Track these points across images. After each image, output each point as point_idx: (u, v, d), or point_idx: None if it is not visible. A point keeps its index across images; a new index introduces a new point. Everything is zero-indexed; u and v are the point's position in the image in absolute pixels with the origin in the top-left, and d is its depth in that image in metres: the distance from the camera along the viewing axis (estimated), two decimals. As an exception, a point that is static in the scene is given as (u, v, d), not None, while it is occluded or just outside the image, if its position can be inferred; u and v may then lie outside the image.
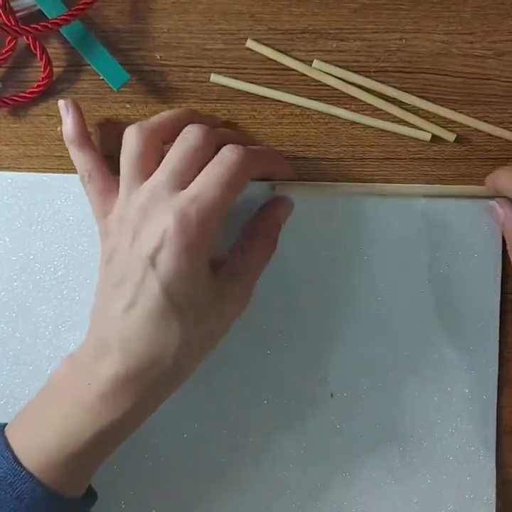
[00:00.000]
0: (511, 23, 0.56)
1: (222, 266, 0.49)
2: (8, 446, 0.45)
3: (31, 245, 0.54)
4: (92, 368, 0.45)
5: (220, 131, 0.53)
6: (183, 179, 0.47)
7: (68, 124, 0.52)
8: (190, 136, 0.48)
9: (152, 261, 0.45)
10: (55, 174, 0.55)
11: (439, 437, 0.55)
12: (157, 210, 0.46)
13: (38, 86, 0.54)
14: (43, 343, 0.54)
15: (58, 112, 0.55)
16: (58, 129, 0.55)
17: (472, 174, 0.56)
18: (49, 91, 0.55)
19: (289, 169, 0.55)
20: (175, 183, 0.47)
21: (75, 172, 0.54)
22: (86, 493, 0.47)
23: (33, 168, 0.55)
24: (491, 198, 0.55)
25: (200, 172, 0.47)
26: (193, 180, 0.47)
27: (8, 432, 0.46)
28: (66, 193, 0.54)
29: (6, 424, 0.47)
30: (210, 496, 0.54)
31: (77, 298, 0.54)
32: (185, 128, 0.49)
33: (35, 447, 0.44)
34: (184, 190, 0.46)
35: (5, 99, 0.54)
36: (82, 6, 0.52)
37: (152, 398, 0.46)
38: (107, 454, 0.47)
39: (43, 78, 0.54)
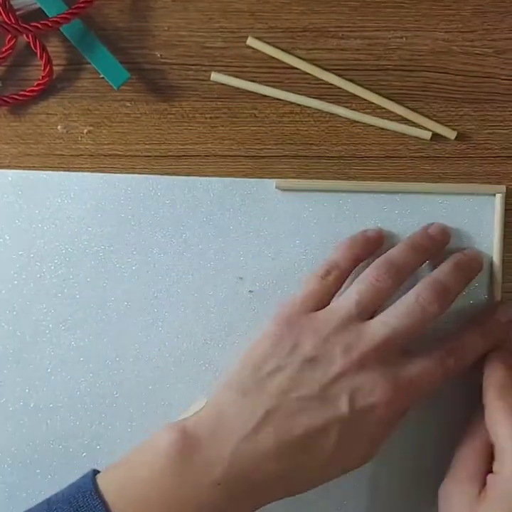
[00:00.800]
0: (511, 21, 0.56)
1: None
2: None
3: (32, 243, 0.54)
4: (228, 469, 0.45)
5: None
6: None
7: None
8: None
9: (355, 411, 0.46)
10: (56, 172, 0.55)
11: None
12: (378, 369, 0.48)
13: (38, 84, 0.54)
14: (44, 342, 0.54)
15: (58, 110, 0.55)
16: (58, 127, 0.55)
17: (473, 172, 0.56)
18: (49, 89, 0.55)
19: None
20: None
21: (75, 170, 0.54)
22: None
23: (33, 167, 0.55)
24: (491, 195, 0.55)
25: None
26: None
27: (105, 493, 0.44)
28: (67, 192, 0.54)
29: (95, 472, 0.46)
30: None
31: (77, 296, 0.54)
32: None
33: None
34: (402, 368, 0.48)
35: (5, 98, 0.54)
36: (82, 5, 0.52)
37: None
38: None
39: (43, 77, 0.54)
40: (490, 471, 0.48)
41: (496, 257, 0.55)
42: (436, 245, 0.53)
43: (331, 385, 0.47)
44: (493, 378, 0.51)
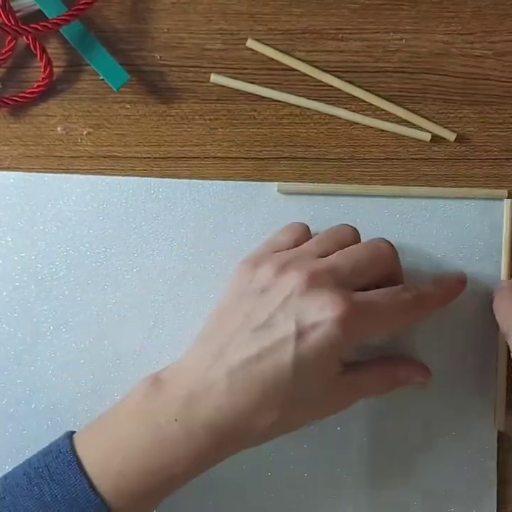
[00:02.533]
0: (511, 24, 0.56)
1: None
2: (81, 468, 0.44)
3: (33, 245, 0.54)
4: (183, 405, 0.45)
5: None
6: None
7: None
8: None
9: (303, 330, 0.45)
10: (57, 174, 0.55)
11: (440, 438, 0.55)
12: (327, 290, 0.46)
13: (38, 86, 0.54)
14: (44, 344, 0.54)
15: (58, 111, 0.55)
16: (58, 129, 0.55)
17: (472, 175, 0.56)
18: (49, 91, 0.55)
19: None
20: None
21: (75, 171, 0.54)
22: None
23: (33, 168, 0.55)
24: (493, 199, 0.55)
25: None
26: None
27: (78, 446, 0.45)
28: (68, 194, 0.54)
29: (72, 432, 0.47)
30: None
31: (78, 298, 0.54)
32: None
33: (110, 476, 0.44)
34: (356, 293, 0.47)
35: (5, 100, 0.54)
36: (81, 6, 0.52)
37: (229, 450, 0.47)
38: (176, 489, 0.47)
39: (42, 78, 0.54)
40: None
41: (504, 261, 0.55)
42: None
43: (279, 310, 0.46)
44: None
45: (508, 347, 0.52)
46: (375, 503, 0.54)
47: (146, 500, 0.45)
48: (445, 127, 0.55)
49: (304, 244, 0.50)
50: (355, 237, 0.51)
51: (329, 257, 0.48)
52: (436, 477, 0.55)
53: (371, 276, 0.49)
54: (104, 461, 0.45)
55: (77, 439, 0.46)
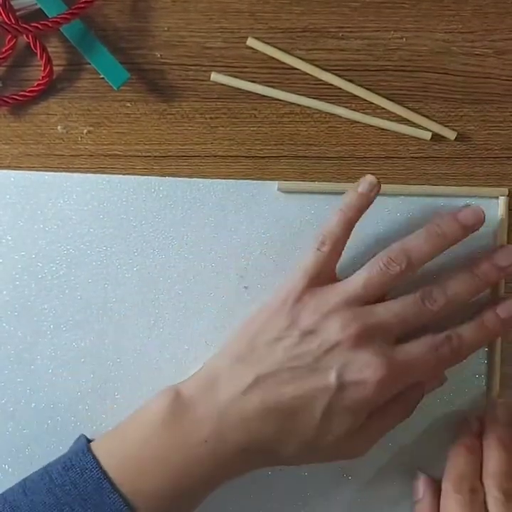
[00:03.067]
0: (511, 22, 0.56)
1: None
2: (113, 487, 0.44)
3: (33, 244, 0.54)
4: (213, 427, 0.46)
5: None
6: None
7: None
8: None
9: (343, 385, 0.47)
10: (58, 173, 0.55)
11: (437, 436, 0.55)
12: (372, 349, 0.48)
13: (38, 85, 0.54)
14: (45, 343, 0.54)
15: (58, 110, 0.55)
16: (58, 127, 0.55)
17: (472, 173, 0.56)
18: (49, 90, 0.55)
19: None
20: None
21: (75, 170, 0.54)
22: None
23: (33, 167, 0.55)
24: (493, 198, 0.55)
25: None
26: None
27: (102, 461, 0.46)
28: (68, 192, 0.54)
29: (87, 439, 0.48)
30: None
31: (78, 297, 0.54)
32: None
33: (142, 495, 0.45)
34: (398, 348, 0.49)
35: (5, 98, 0.54)
36: (82, 5, 0.52)
37: (254, 467, 0.49)
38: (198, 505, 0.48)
39: (43, 77, 0.54)
40: None
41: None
42: (463, 233, 0.51)
43: (323, 357, 0.47)
44: (453, 467, 0.52)
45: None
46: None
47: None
48: (446, 126, 0.55)
49: (350, 283, 0.50)
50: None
51: (379, 310, 0.49)
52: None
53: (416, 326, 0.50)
54: (135, 480, 0.45)
55: (98, 452, 0.46)
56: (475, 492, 0.50)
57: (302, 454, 0.48)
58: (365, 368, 0.47)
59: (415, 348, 0.49)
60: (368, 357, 0.47)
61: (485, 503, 0.50)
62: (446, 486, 0.51)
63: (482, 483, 0.51)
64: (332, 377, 0.47)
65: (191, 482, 0.46)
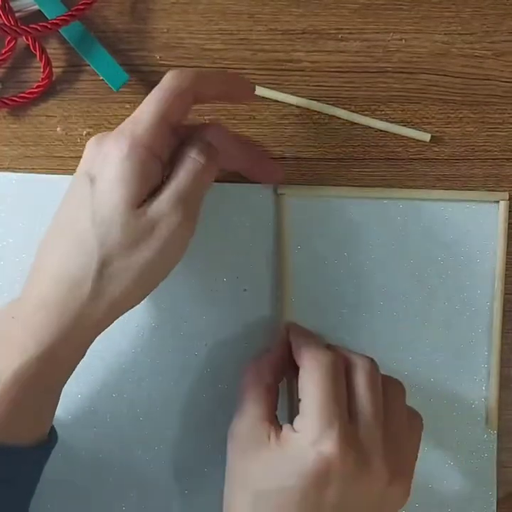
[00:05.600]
0: (511, 24, 0.56)
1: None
2: None
3: (33, 246, 0.53)
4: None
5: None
6: None
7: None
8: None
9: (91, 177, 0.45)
10: (59, 175, 0.55)
11: (438, 438, 0.55)
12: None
13: (38, 86, 0.54)
14: (44, 344, 0.54)
15: (58, 112, 0.55)
16: (58, 129, 0.55)
17: (472, 175, 0.56)
18: (48, 91, 0.55)
19: (247, 88, 0.51)
20: None
21: (74, 171, 0.54)
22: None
23: (33, 169, 0.55)
24: (493, 202, 0.55)
25: None
26: None
27: None
28: (68, 195, 0.54)
29: None
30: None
31: (77, 299, 0.54)
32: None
33: None
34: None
35: (4, 100, 0.54)
36: (81, 7, 0.52)
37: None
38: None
39: (42, 79, 0.54)
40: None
41: (500, 263, 0.55)
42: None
43: None
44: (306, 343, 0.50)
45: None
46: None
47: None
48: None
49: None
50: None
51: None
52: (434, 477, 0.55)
53: None
54: None
55: None
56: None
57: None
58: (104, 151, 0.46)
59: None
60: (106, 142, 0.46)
61: None
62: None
63: None
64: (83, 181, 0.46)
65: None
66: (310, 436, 0.45)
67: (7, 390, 0.42)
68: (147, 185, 0.45)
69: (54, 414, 0.46)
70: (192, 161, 0.46)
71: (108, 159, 0.45)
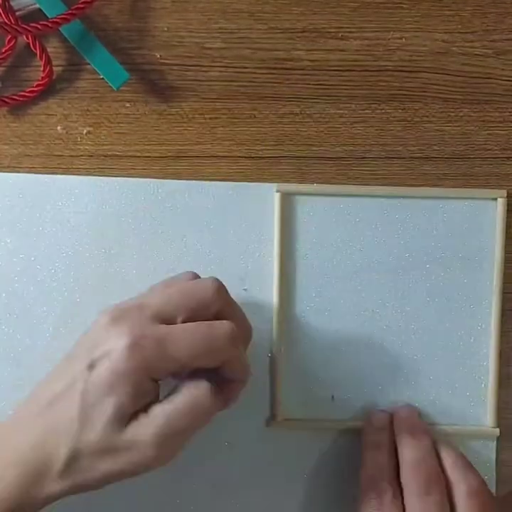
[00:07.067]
0: (511, 22, 0.56)
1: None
2: None
3: (32, 247, 0.54)
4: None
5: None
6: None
7: None
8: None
9: (92, 361, 0.44)
10: (57, 175, 0.55)
11: (438, 437, 0.55)
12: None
13: (38, 85, 0.54)
14: (44, 345, 0.54)
15: (58, 111, 0.55)
16: (58, 128, 0.55)
17: (472, 173, 0.56)
18: (49, 90, 0.55)
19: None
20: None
21: (75, 170, 0.54)
22: None
23: (33, 168, 0.55)
24: (492, 199, 0.55)
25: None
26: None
27: None
28: (67, 195, 0.54)
29: None
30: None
31: (77, 300, 0.54)
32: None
33: None
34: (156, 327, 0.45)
35: (4, 99, 0.54)
36: (81, 5, 0.52)
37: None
38: None
39: (42, 77, 0.54)
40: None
41: (498, 262, 0.55)
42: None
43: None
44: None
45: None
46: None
47: None
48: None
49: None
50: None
51: None
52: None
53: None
54: None
55: None
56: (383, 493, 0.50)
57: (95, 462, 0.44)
58: (112, 339, 0.44)
59: (178, 328, 0.46)
60: (117, 330, 0.44)
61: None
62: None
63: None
64: (83, 360, 0.45)
65: None
66: None
67: None
68: (140, 403, 0.44)
69: None
70: (198, 393, 0.45)
71: (111, 357, 0.44)
